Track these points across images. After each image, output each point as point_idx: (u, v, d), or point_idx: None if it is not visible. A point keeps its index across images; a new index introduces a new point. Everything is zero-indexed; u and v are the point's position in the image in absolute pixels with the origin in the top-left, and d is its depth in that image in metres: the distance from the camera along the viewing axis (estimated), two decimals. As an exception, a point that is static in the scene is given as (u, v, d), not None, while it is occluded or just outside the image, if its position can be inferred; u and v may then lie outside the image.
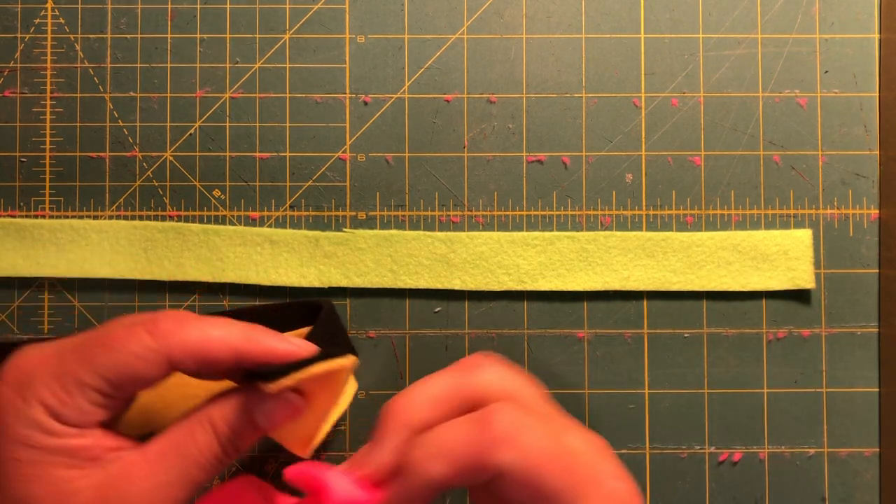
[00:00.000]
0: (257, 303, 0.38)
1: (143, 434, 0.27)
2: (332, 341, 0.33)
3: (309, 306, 0.36)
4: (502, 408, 0.24)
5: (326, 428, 0.31)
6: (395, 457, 0.24)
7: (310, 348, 0.27)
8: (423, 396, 0.25)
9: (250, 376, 0.26)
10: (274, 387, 0.24)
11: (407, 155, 0.39)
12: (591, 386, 0.38)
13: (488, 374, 0.25)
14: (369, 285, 0.38)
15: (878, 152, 0.39)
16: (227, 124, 0.39)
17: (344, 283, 0.38)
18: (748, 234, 0.38)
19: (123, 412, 0.27)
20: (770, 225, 0.39)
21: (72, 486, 0.23)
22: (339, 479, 0.24)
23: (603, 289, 0.38)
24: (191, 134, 0.39)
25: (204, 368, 0.25)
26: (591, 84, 0.39)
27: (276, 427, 0.26)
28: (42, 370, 0.24)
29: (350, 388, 0.36)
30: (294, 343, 0.26)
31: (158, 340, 0.24)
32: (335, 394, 0.29)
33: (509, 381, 0.25)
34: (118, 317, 0.26)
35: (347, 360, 0.26)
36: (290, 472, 0.25)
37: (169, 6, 0.39)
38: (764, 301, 0.38)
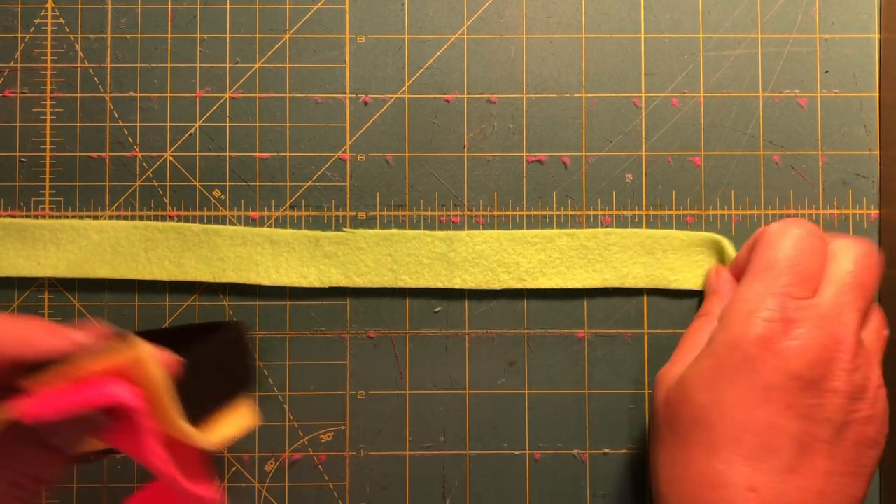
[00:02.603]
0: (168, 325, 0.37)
1: None
2: (218, 365, 0.30)
3: (214, 328, 0.33)
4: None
5: (237, 425, 0.28)
6: None
7: (89, 339, 0.23)
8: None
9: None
10: (29, 384, 0.20)
11: (407, 155, 0.39)
12: (591, 386, 0.38)
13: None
14: (369, 285, 0.38)
15: (878, 152, 0.39)
16: (227, 124, 0.39)
17: (344, 282, 0.38)
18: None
19: None
20: (770, 225, 0.39)
21: None
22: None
23: (602, 286, 0.38)
24: (191, 134, 0.39)
25: None
26: (591, 84, 0.39)
27: (77, 447, 0.22)
28: None
29: (246, 414, 0.32)
30: (70, 336, 0.23)
31: None
32: (155, 386, 0.24)
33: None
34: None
35: (138, 350, 0.22)
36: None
37: (169, 6, 0.39)
38: (764, 301, 0.38)
